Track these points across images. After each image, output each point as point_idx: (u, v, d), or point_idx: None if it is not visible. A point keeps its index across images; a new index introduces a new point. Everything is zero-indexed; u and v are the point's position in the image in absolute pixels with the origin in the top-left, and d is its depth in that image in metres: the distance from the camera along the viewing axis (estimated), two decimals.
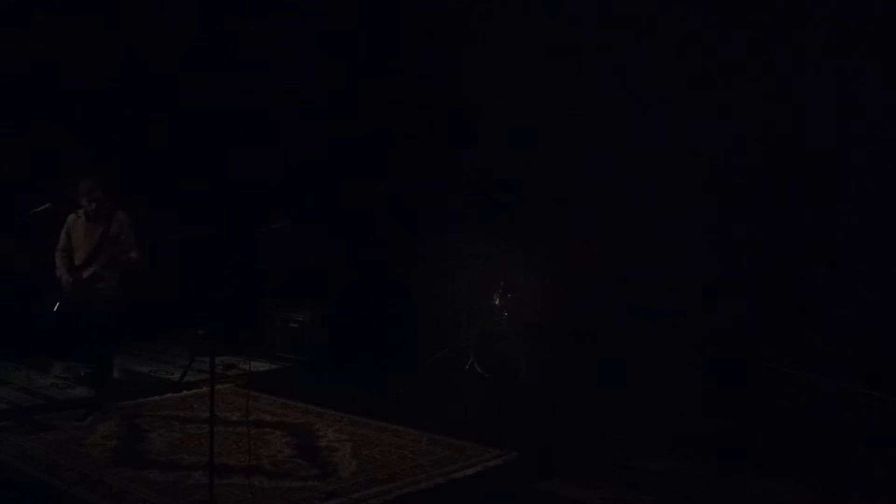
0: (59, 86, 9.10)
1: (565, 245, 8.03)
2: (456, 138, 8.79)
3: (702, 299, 7.26)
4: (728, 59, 7.17)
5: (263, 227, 5.57)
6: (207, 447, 5.10)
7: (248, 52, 9.91)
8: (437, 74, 8.80)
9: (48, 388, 7.90)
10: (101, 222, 6.81)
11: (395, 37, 9.23)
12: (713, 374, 7.01)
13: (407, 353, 8.57)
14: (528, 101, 8.08)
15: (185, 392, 7.79)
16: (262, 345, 9.36)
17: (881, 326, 6.34)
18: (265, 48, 9.74)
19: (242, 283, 8.84)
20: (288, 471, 5.64)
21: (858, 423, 6.10)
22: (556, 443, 6.26)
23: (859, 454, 5.72)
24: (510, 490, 5.38)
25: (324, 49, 9.54)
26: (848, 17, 6.55)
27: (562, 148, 7.98)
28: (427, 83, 8.90)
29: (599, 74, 7.80)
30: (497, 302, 8.16)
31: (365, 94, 9.39)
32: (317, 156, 9.66)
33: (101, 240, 6.76)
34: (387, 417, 6.80)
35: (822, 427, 6.10)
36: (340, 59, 9.55)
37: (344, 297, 9.45)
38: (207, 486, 4.90)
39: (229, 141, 10.11)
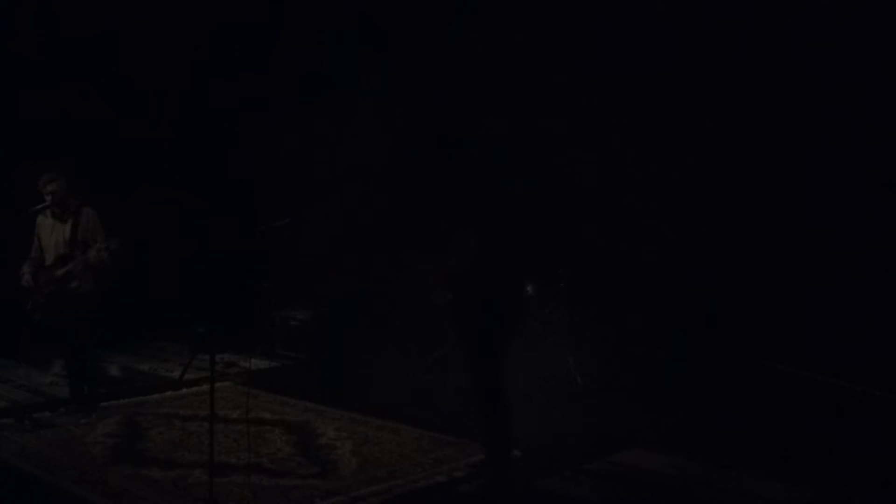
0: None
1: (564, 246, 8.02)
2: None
3: (702, 298, 7.26)
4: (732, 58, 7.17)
5: (264, 224, 5.54)
6: (207, 445, 5.10)
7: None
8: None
9: (48, 385, 7.90)
10: (67, 220, 6.66)
11: None
12: (713, 373, 7.01)
13: (407, 351, 8.56)
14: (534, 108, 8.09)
15: (184, 390, 7.79)
16: (262, 342, 9.36)
17: (881, 324, 6.33)
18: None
19: (243, 282, 8.85)
20: (288, 469, 5.63)
21: (858, 421, 6.10)
22: (557, 441, 6.26)
23: (859, 453, 5.71)
24: (511, 488, 5.37)
25: None
26: None
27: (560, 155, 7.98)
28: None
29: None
30: None
31: None
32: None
33: (71, 238, 6.61)
34: (387, 415, 6.80)
35: (822, 426, 6.10)
36: None
37: (343, 295, 9.44)
38: (207, 484, 4.90)
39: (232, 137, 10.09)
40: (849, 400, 6.26)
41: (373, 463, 5.75)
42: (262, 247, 8.00)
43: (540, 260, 7.73)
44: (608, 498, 5.20)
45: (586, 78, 7.79)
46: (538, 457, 5.89)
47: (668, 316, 7.41)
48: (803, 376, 6.62)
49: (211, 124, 10.08)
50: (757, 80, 7.08)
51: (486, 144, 6.44)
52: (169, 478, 5.43)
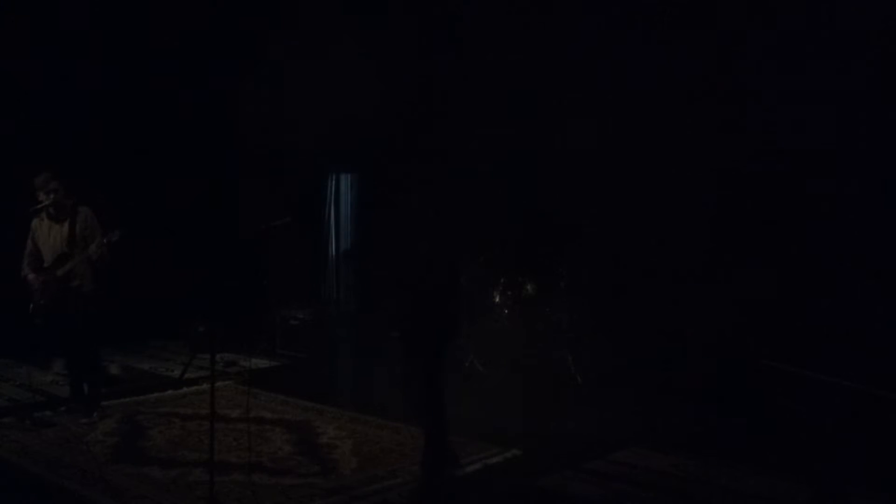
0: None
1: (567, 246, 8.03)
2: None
3: (702, 298, 7.26)
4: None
5: (264, 223, 5.55)
6: (208, 444, 5.10)
7: None
8: None
9: (49, 384, 7.91)
10: (65, 220, 6.63)
11: None
12: (714, 372, 7.02)
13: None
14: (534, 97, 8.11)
15: (185, 389, 7.80)
16: (262, 342, 9.37)
17: (881, 323, 6.34)
18: None
19: (242, 281, 8.85)
20: (288, 468, 5.64)
21: (858, 421, 6.10)
22: (557, 440, 6.27)
23: (859, 453, 5.71)
24: (511, 487, 5.38)
25: None
26: None
27: (566, 153, 7.99)
28: None
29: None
30: (497, 300, 8.17)
31: None
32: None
33: (70, 238, 6.58)
34: (387, 414, 6.80)
35: (822, 424, 6.10)
36: None
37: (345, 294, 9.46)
38: (208, 482, 4.90)
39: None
40: (848, 399, 6.26)
41: (373, 462, 5.76)
42: (262, 246, 8.03)
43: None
44: (608, 497, 5.21)
45: (587, 80, 7.81)
46: (538, 456, 5.90)
47: (668, 316, 7.41)
48: (803, 376, 6.62)
49: (209, 121, 10.10)
50: (757, 82, 7.10)
51: (453, 156, 6.51)
52: (169, 476, 5.44)
